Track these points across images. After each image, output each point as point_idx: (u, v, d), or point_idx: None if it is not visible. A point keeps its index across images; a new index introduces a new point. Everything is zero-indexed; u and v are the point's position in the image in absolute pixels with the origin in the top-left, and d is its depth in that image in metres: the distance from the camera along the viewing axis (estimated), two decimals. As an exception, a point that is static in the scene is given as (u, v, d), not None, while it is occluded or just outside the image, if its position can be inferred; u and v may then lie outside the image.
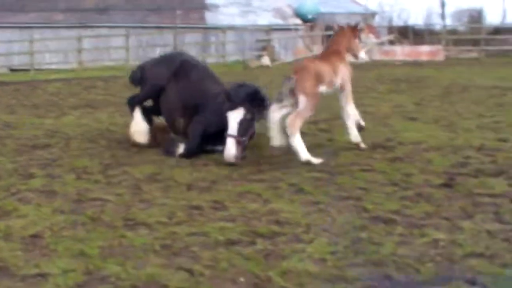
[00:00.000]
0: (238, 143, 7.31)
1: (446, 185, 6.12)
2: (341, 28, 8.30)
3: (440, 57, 29.56)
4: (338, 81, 7.73)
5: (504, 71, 20.49)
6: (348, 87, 7.87)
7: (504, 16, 50.51)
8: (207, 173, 6.94)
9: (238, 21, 35.21)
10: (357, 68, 8.20)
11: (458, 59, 28.71)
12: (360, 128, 8.01)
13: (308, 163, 7.13)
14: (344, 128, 8.10)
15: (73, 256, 4.41)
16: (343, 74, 7.78)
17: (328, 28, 33.66)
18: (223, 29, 31.59)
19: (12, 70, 30.42)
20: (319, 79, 7.46)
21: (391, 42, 32.76)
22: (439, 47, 30.73)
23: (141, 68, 9.25)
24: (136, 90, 9.28)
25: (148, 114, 8.90)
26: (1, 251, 4.53)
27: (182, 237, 4.77)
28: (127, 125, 9.15)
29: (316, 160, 7.18)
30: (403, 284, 3.89)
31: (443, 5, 44.00)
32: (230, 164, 7.23)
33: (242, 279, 3.99)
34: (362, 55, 8.32)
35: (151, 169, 7.17)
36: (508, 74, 18.80)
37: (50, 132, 10.22)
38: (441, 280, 3.91)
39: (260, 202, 5.70)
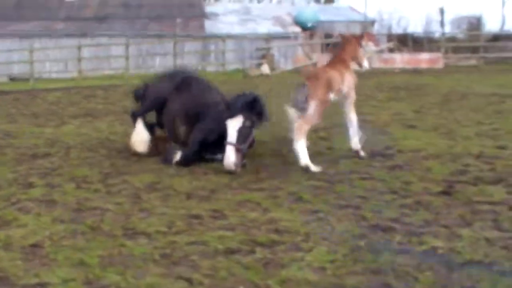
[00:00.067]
0: (238, 150, 7.34)
1: (445, 193, 6.12)
2: (347, 37, 8.48)
3: (439, 64, 29.59)
4: (345, 89, 7.88)
5: (503, 78, 20.51)
6: (353, 95, 8.05)
7: (503, 23, 50.52)
8: (206, 182, 6.95)
9: (238, 29, 35.34)
10: (357, 76, 8.27)
11: (457, 67, 28.76)
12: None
13: (306, 169, 7.18)
14: (345, 135, 8.15)
15: (73, 265, 4.41)
16: (348, 82, 7.95)
17: (328, 36, 33.84)
18: (222, 37, 31.66)
19: (12, 79, 30.47)
20: (329, 87, 7.61)
21: (390, 50, 32.79)
22: (438, 54, 30.75)
23: (145, 85, 9.48)
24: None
25: (150, 127, 8.99)
26: (1, 261, 4.53)
27: (182, 246, 4.77)
28: (127, 134, 9.18)
29: (315, 168, 7.21)
30: (402, 293, 3.90)
31: (442, 12, 44.05)
32: (230, 172, 7.24)
33: (241, 288, 3.99)
34: (365, 64, 8.46)
35: (150, 178, 7.18)
36: (507, 81, 18.82)
37: (50, 141, 10.24)
38: (440, 288, 3.92)
39: (259, 211, 5.70)
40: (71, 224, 5.41)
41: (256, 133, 7.93)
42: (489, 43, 34.59)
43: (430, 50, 32.90)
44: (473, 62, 30.53)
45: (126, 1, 38.87)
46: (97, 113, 14.51)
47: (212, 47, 33.54)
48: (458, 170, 7.09)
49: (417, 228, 5.05)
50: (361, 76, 8.33)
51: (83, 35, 32.93)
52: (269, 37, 32.23)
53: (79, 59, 29.10)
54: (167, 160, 8.00)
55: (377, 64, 28.72)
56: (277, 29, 35.32)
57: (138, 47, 31.96)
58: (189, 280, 4.10)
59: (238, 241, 4.84)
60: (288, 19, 37.22)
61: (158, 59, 32.46)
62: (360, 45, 8.38)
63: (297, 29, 35.64)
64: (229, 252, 4.61)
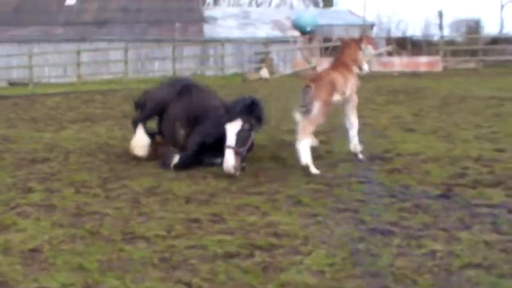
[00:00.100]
0: (237, 154, 7.36)
1: (444, 196, 6.13)
2: (347, 41, 8.64)
3: (438, 67, 29.64)
4: (347, 92, 7.96)
5: (501, 81, 20.56)
6: (355, 98, 8.13)
7: (501, 27, 50.65)
8: (205, 186, 6.96)
9: (237, 33, 35.34)
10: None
11: (456, 70, 28.80)
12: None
13: (306, 169, 7.23)
14: (343, 139, 8.17)
15: (72, 270, 4.42)
16: (351, 85, 8.05)
17: (327, 40, 33.85)
18: (221, 41, 31.69)
19: (11, 84, 30.46)
20: (333, 88, 7.71)
21: (389, 53, 32.81)
22: (437, 58, 30.80)
23: (146, 93, 9.62)
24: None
25: (152, 136, 9.05)
26: (0, 265, 4.53)
27: (181, 250, 4.78)
28: (126, 139, 9.19)
29: (314, 170, 7.23)
30: (401, 296, 3.90)
31: (441, 15, 44.04)
32: (229, 176, 7.25)
33: (240, 292, 4.00)
34: (365, 67, 8.53)
35: (149, 183, 7.19)
36: (506, 85, 18.86)
37: (49, 146, 10.24)
38: (439, 291, 3.92)
39: (258, 215, 5.71)
40: (70, 229, 5.42)
41: (255, 137, 7.94)
42: (487, 46, 34.65)
43: (429, 53, 32.94)
44: (472, 65, 30.57)
45: (125, 5, 38.90)
46: (96, 118, 14.52)
47: (211, 51, 33.53)
48: (457, 173, 7.10)
49: (416, 232, 5.06)
50: (360, 79, 8.37)
51: (82, 39, 32.92)
52: (268, 41, 32.24)
53: (78, 64, 29.11)
54: (165, 164, 8.02)
55: (376, 68, 28.73)
56: (276, 33, 35.33)
57: (137, 52, 31.98)
58: (188, 284, 4.10)
59: (237, 245, 4.85)
60: (287, 23, 37.24)
61: (157, 63, 32.45)
62: (360, 48, 8.45)
63: (296, 33, 35.65)
64: (228, 256, 4.62)
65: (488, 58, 31.11)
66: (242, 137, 7.46)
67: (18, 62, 30.75)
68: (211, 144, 7.88)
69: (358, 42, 8.54)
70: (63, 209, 6.13)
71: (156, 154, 8.68)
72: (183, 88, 9.02)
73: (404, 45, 35.08)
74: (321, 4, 56.13)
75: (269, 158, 8.38)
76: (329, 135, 9.92)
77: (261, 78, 27.34)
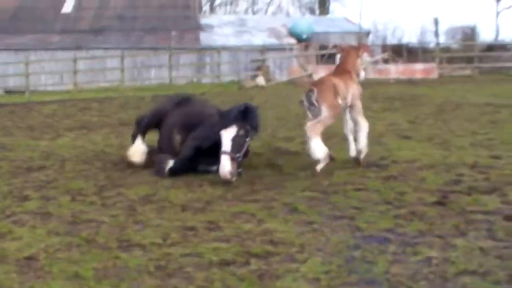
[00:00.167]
0: (233, 159, 7.38)
1: (440, 203, 6.13)
2: (346, 48, 8.89)
3: (434, 75, 29.73)
4: (349, 97, 8.11)
5: (497, 88, 20.62)
6: (359, 103, 8.34)
7: (497, 34, 50.87)
8: (201, 194, 6.96)
9: (233, 41, 35.41)
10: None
11: (452, 77, 28.88)
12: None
13: (317, 164, 7.57)
14: (341, 145, 8.22)
15: (68, 278, 4.41)
16: (353, 91, 8.22)
17: (323, 47, 33.94)
18: (217, 49, 31.75)
19: (8, 92, 30.46)
20: (335, 92, 7.88)
21: (385, 61, 32.89)
22: (433, 65, 30.91)
23: (148, 111, 9.98)
24: (131, 113, 9.50)
25: (150, 147, 9.14)
26: (-4, 274, 4.53)
27: (176, 258, 4.78)
28: (122, 147, 9.19)
29: (319, 167, 7.60)
30: (396, 303, 3.90)
31: (436, 23, 44.26)
32: (226, 181, 7.26)
33: (236, 300, 4.00)
34: (363, 74, 8.68)
35: (146, 190, 7.19)
36: (502, 91, 18.91)
37: (45, 154, 10.24)
38: (434, 298, 3.93)
39: (254, 222, 5.71)
40: (66, 237, 5.41)
41: (251, 144, 7.96)
42: (483, 53, 34.81)
43: (425, 60, 33.03)
44: (467, 72, 30.67)
45: (121, 13, 38.96)
46: (93, 126, 14.53)
47: (207, 59, 33.60)
48: (452, 180, 7.11)
49: (412, 239, 5.06)
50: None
51: (79, 47, 32.94)
52: (264, 49, 32.33)
53: (75, 72, 29.14)
54: (160, 169, 8.02)
55: (372, 75, 28.78)
56: (272, 41, 35.38)
57: (133, 60, 32.04)
58: (184, 292, 4.10)
59: (233, 252, 4.85)
60: (283, 31, 37.32)
61: (153, 71, 32.50)
62: (358, 56, 8.65)
63: (292, 41, 35.73)
64: (224, 263, 4.61)
65: (484, 65, 31.24)
66: (237, 143, 7.49)
67: (14, 70, 30.81)
68: (206, 151, 7.89)
69: (357, 49, 8.76)
70: (59, 217, 6.13)
71: (153, 161, 8.68)
72: (182, 100, 9.26)
73: (400, 52, 35.19)
74: (317, 11, 56.34)
75: (265, 166, 8.39)
76: (326, 142, 9.90)
77: (257, 86, 27.37)
